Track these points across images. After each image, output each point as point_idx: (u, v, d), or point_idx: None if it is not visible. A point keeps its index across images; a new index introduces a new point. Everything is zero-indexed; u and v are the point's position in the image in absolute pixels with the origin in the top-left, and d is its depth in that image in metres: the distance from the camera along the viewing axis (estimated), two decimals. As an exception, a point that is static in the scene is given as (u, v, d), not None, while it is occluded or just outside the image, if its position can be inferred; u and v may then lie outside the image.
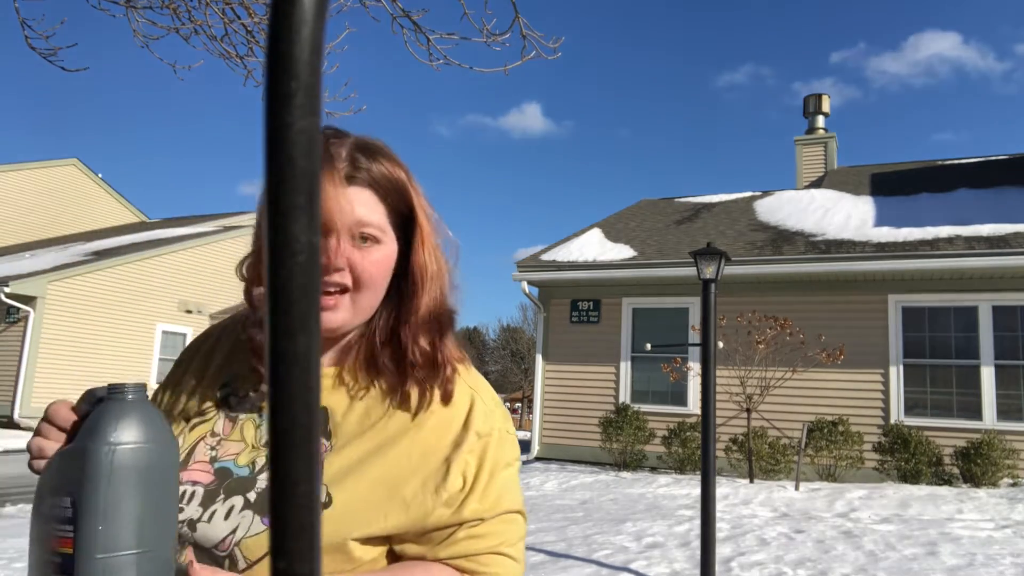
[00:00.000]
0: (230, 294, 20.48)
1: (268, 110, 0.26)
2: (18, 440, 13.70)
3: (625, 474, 10.50)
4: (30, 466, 0.85)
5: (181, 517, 0.89)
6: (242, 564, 0.88)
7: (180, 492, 0.87)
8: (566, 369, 12.43)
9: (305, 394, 0.27)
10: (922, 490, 8.81)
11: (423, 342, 0.94)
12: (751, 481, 9.39)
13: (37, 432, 0.86)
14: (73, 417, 0.84)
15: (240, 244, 21.01)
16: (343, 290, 0.90)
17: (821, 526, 6.72)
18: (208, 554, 0.89)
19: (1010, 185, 12.07)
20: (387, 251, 0.92)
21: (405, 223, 0.95)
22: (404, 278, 0.95)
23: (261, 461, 0.92)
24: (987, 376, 9.95)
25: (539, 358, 12.63)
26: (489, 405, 0.97)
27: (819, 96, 16.81)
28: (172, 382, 1.06)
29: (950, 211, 11.35)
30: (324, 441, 0.92)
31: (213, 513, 0.90)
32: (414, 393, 0.93)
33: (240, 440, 0.95)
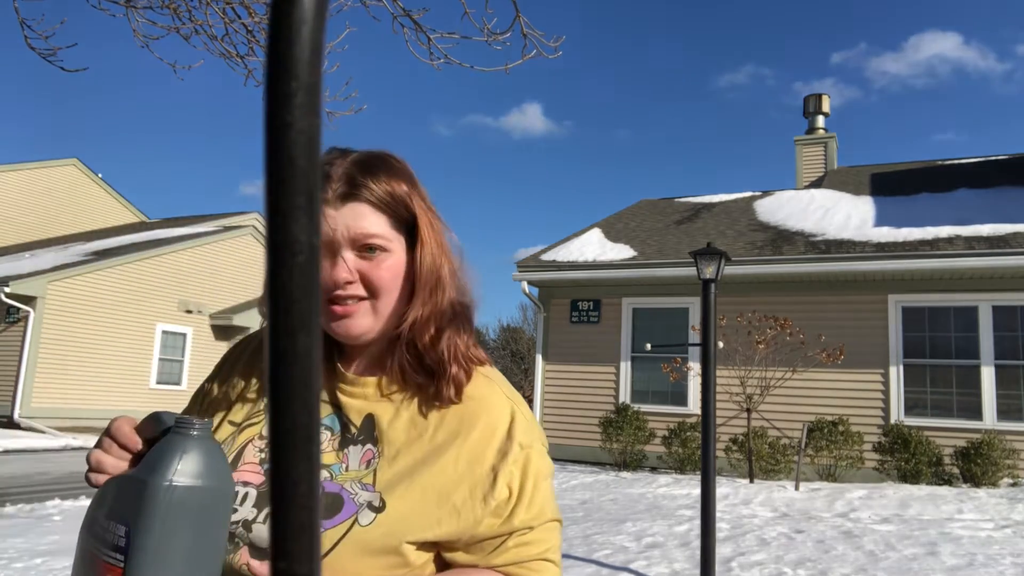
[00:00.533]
0: (230, 294, 20.49)
1: (268, 110, 0.26)
2: (18, 440, 13.70)
3: (625, 474, 10.50)
4: (87, 479, 0.86)
5: (235, 518, 0.90)
6: None
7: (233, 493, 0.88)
8: (566, 369, 12.43)
9: (305, 394, 0.27)
10: (922, 490, 8.81)
11: (431, 339, 0.97)
12: (751, 481, 9.39)
13: (98, 444, 0.88)
14: (135, 436, 0.85)
15: (240, 244, 21.02)
16: (360, 299, 0.94)
17: (821, 526, 6.72)
18: (265, 554, 0.89)
19: (1010, 185, 12.08)
20: (397, 258, 0.95)
21: (411, 229, 0.97)
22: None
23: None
24: (987, 376, 9.95)
25: (539, 358, 12.63)
26: (529, 417, 0.99)
27: (819, 96, 16.82)
28: (215, 386, 1.08)
29: (950, 211, 11.35)
30: (372, 447, 0.95)
31: (267, 515, 0.91)
32: (443, 391, 0.96)
33: None
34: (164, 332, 18.92)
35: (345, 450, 0.95)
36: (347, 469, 0.94)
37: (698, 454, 9.31)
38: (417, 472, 0.92)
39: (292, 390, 0.27)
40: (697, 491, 8.01)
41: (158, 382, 18.64)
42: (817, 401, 10.55)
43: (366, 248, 0.93)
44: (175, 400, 19.04)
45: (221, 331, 20.29)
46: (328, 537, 0.89)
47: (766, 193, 14.81)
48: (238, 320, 19.82)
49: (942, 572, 5.14)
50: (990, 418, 9.84)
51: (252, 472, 0.95)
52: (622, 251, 12.41)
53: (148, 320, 18.55)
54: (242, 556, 0.90)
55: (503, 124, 72.41)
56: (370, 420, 0.97)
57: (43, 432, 15.36)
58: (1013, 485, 9.20)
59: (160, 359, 18.76)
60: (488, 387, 0.99)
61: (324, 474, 0.92)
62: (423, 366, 0.96)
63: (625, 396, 11.87)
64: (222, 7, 3.35)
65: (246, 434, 0.99)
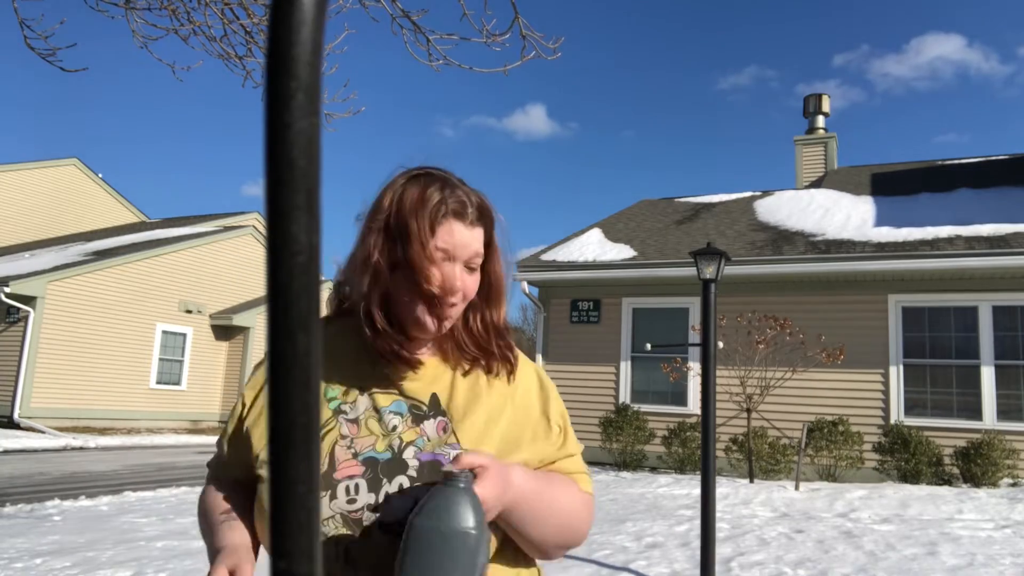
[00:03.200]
0: (230, 294, 20.48)
1: (268, 110, 0.26)
2: (18, 440, 13.70)
3: (625, 474, 10.50)
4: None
5: (356, 505, 1.05)
6: None
7: (344, 487, 1.05)
8: (566, 369, 12.43)
9: (304, 394, 0.27)
10: (922, 490, 8.81)
11: (500, 331, 1.22)
12: (751, 481, 9.39)
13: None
14: None
15: (240, 244, 21.01)
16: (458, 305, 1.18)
17: (821, 526, 6.72)
18: (394, 528, 1.04)
19: (1010, 185, 12.07)
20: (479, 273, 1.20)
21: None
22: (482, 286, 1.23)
23: (397, 442, 1.12)
24: (987, 376, 9.95)
25: (539, 358, 12.62)
26: (544, 376, 1.29)
27: (819, 96, 16.81)
28: (251, 413, 1.21)
29: (950, 211, 11.35)
30: (443, 419, 1.14)
31: (387, 495, 1.08)
32: (496, 365, 1.20)
33: (370, 434, 1.13)
34: (164, 332, 18.91)
35: (420, 426, 1.13)
36: (428, 440, 1.12)
37: (698, 454, 9.31)
38: (488, 427, 1.14)
39: (291, 390, 0.26)
40: (697, 491, 8.01)
41: (158, 382, 18.63)
42: (817, 401, 10.54)
43: (471, 265, 1.14)
44: (175, 400, 19.04)
45: (221, 331, 20.27)
46: None
47: (766, 193, 14.80)
48: (238, 320, 19.81)
49: (942, 572, 5.14)
50: (990, 418, 9.83)
51: (351, 466, 1.09)
52: (622, 251, 12.41)
53: (148, 320, 18.54)
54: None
55: (507, 125, 72.40)
56: (435, 398, 1.16)
57: (43, 432, 15.35)
58: (1013, 485, 9.20)
59: (160, 359, 18.75)
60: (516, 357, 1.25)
61: (413, 449, 1.10)
62: (478, 347, 1.19)
63: (625, 396, 11.87)
64: (220, 8, 3.35)
65: (327, 441, 1.12)
